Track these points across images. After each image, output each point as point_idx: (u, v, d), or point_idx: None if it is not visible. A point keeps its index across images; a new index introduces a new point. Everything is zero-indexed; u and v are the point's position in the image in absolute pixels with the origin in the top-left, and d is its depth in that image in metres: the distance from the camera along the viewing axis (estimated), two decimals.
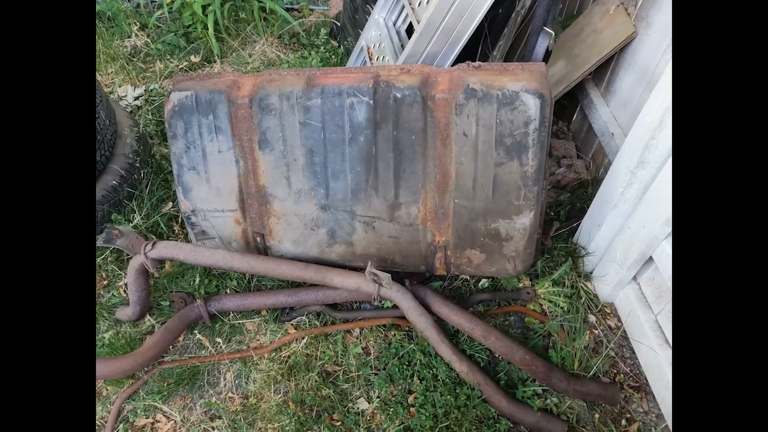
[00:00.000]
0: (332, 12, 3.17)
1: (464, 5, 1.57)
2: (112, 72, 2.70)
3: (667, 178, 1.48)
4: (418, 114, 1.51)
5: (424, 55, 1.71)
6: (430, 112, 1.51)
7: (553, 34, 1.58)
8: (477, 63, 1.53)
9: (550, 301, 1.88)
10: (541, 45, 1.58)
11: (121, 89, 2.61)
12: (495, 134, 1.47)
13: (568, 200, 2.20)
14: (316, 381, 1.67)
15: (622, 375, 1.75)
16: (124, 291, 1.92)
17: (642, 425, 1.63)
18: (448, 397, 1.60)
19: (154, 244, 1.64)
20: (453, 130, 1.50)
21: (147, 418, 1.62)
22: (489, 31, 2.25)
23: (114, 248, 1.97)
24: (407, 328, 1.80)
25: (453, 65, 1.74)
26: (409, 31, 2.07)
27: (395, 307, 1.76)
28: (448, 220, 1.62)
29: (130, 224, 2.01)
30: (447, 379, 1.65)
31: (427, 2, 1.71)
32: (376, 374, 1.70)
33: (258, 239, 1.79)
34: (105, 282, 1.95)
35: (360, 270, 1.71)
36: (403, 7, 2.00)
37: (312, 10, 3.22)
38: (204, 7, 2.72)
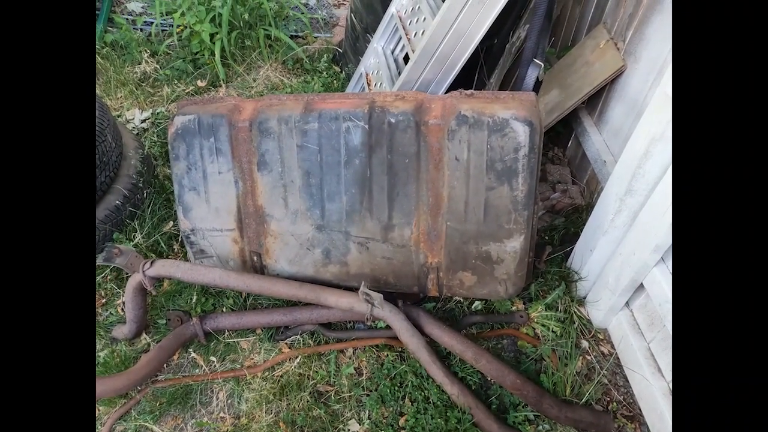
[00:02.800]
0: (335, 39, 3.29)
1: (457, 36, 1.64)
2: (121, 96, 2.80)
3: (655, 206, 1.51)
4: (412, 139, 1.56)
5: (418, 82, 1.77)
6: (424, 137, 1.56)
7: (542, 65, 1.64)
8: (469, 91, 1.58)
9: (543, 325, 1.88)
10: (531, 75, 1.65)
11: (129, 113, 2.70)
12: (486, 159, 1.51)
13: (562, 225, 2.23)
14: (307, 401, 1.67)
15: (615, 403, 1.73)
16: (122, 310, 1.94)
17: None
18: (439, 420, 1.60)
19: (152, 262, 1.67)
20: (445, 155, 1.55)
21: None
22: (485, 60, 2.34)
23: (113, 267, 2.00)
24: (400, 349, 1.81)
25: (446, 93, 1.80)
26: (406, 59, 2.16)
27: (388, 327, 1.77)
28: (441, 242, 1.65)
29: (131, 243, 2.06)
30: (438, 402, 1.65)
31: (423, 33, 1.79)
32: (367, 395, 1.70)
33: (255, 258, 1.82)
34: (103, 300, 1.98)
35: (354, 290, 1.73)
36: (401, 37, 2.08)
37: (316, 37, 3.34)
38: (212, 36, 2.83)
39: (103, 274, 1.99)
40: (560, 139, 2.61)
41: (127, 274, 1.95)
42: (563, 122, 2.48)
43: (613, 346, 1.87)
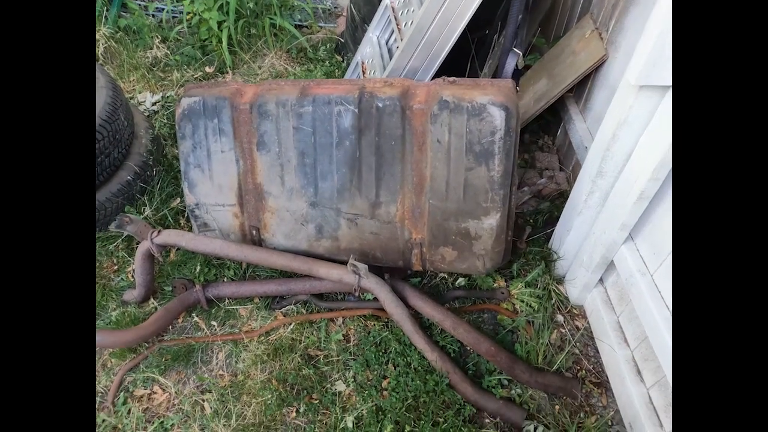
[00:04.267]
0: (339, 29, 3.40)
1: (441, 26, 1.75)
2: (133, 80, 2.95)
3: (622, 187, 1.62)
4: (398, 122, 1.68)
5: (406, 69, 1.89)
6: (408, 121, 1.68)
7: (520, 54, 1.74)
8: (452, 78, 1.70)
9: (522, 301, 2.01)
10: (510, 64, 1.75)
11: (140, 95, 2.85)
12: (465, 142, 1.63)
13: (547, 209, 2.34)
14: (298, 362, 1.82)
15: (584, 371, 1.86)
16: (132, 276, 2.11)
17: (599, 418, 1.74)
18: (419, 382, 1.74)
19: (159, 231, 1.83)
20: (428, 138, 1.67)
21: (145, 389, 1.79)
22: (477, 51, 2.44)
23: (124, 236, 2.17)
24: (385, 320, 1.95)
25: (432, 80, 1.91)
26: None
27: (376, 300, 1.91)
28: (424, 219, 1.78)
29: (141, 216, 2.21)
30: (419, 367, 1.79)
31: (412, 23, 1.90)
32: (354, 359, 1.85)
33: (254, 232, 1.97)
34: (115, 267, 2.15)
35: (344, 264, 1.87)
36: (393, 28, 2.19)
37: (320, 27, 3.46)
38: (219, 23, 2.96)
39: (115, 243, 2.16)
40: (550, 127, 2.70)
41: (136, 242, 2.12)
42: (553, 111, 2.58)
43: (587, 321, 1.99)
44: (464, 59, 2.41)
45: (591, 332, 1.97)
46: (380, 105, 1.68)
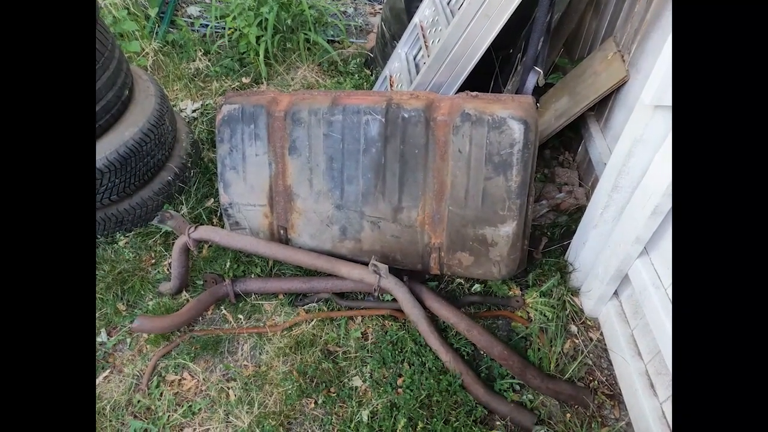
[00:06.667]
0: (369, 45, 3.56)
1: (465, 45, 1.86)
2: (177, 89, 3.16)
3: (637, 201, 1.68)
4: (422, 132, 1.79)
5: (431, 84, 2.00)
6: (432, 131, 1.78)
7: (541, 72, 1.83)
8: (474, 93, 1.80)
9: (536, 310, 2.06)
10: (531, 81, 1.84)
11: (182, 103, 3.06)
12: (485, 152, 1.72)
13: (565, 222, 2.39)
14: (318, 356, 1.91)
15: (597, 382, 1.89)
16: (167, 269, 2.25)
17: (611, 430, 1.76)
18: (432, 382, 1.81)
19: (196, 227, 1.97)
20: (450, 147, 1.77)
21: (176, 375, 1.91)
22: (501, 69, 2.54)
23: (162, 232, 2.33)
24: (403, 321, 2.03)
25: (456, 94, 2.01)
26: None
27: (394, 301, 2.00)
28: (443, 224, 1.86)
29: (178, 214, 2.37)
30: (433, 367, 1.86)
31: (438, 41, 2.02)
32: (371, 357, 1.93)
33: (281, 232, 2.09)
34: (153, 261, 2.30)
35: (366, 264, 1.96)
36: (422, 45, 2.32)
37: (351, 42, 3.63)
38: (258, 38, 3.16)
39: (153, 239, 2.32)
40: (571, 144, 2.77)
41: (173, 238, 2.27)
42: (574, 128, 2.65)
43: (601, 333, 2.02)
44: (489, 76, 2.51)
45: (605, 344, 2.00)
46: (406, 116, 1.79)
